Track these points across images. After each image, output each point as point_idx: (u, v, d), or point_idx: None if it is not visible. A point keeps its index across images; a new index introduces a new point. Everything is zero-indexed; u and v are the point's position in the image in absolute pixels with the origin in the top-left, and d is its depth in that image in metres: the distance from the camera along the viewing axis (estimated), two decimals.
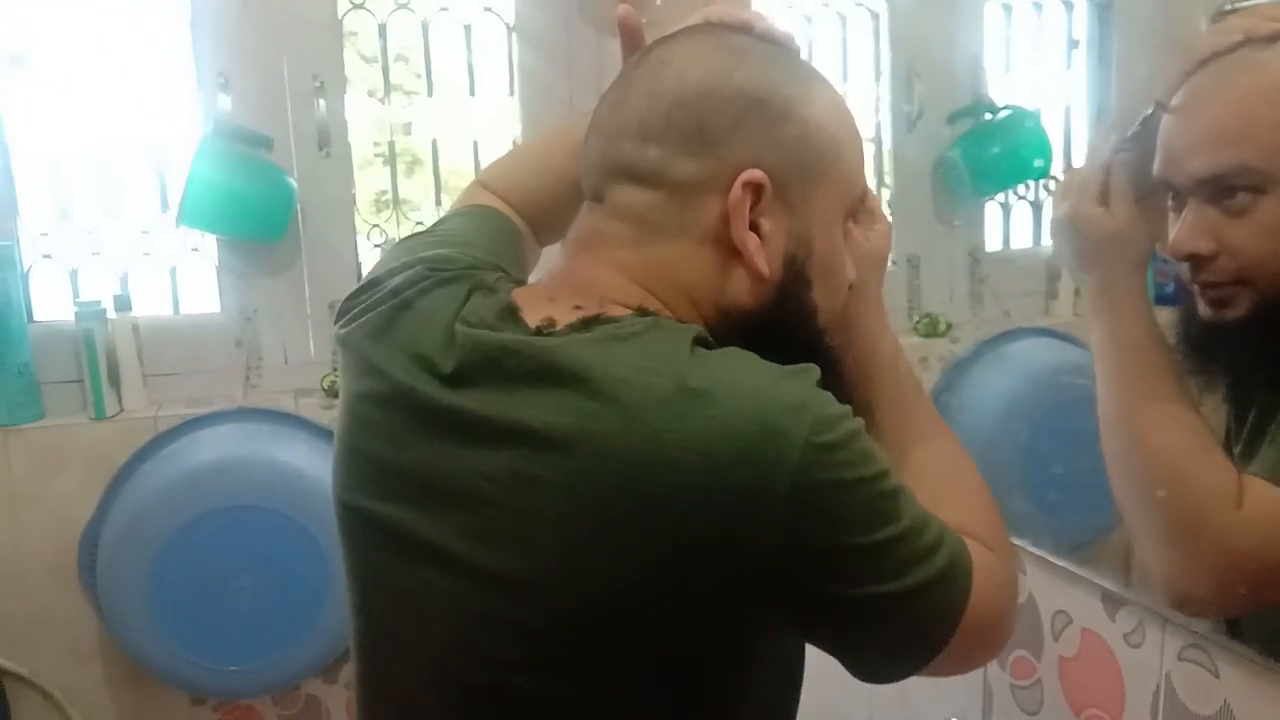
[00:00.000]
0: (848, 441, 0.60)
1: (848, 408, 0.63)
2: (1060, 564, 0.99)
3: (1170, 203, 0.84)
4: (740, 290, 0.68)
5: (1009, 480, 1.13)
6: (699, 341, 0.63)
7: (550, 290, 0.70)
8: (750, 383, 0.60)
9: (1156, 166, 0.83)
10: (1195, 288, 0.81)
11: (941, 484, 0.71)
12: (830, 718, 1.35)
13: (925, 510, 0.64)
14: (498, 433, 0.62)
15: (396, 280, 0.75)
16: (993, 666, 1.13)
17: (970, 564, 0.64)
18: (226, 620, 1.60)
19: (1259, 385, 0.83)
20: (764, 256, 0.67)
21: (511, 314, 0.68)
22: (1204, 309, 0.82)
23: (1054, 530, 1.01)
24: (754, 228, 0.67)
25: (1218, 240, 0.77)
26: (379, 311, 0.74)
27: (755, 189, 0.66)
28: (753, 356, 0.63)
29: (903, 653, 0.65)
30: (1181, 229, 0.80)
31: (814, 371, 0.63)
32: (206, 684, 1.67)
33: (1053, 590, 1.01)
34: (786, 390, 0.60)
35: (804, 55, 0.76)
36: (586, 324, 0.64)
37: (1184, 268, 0.82)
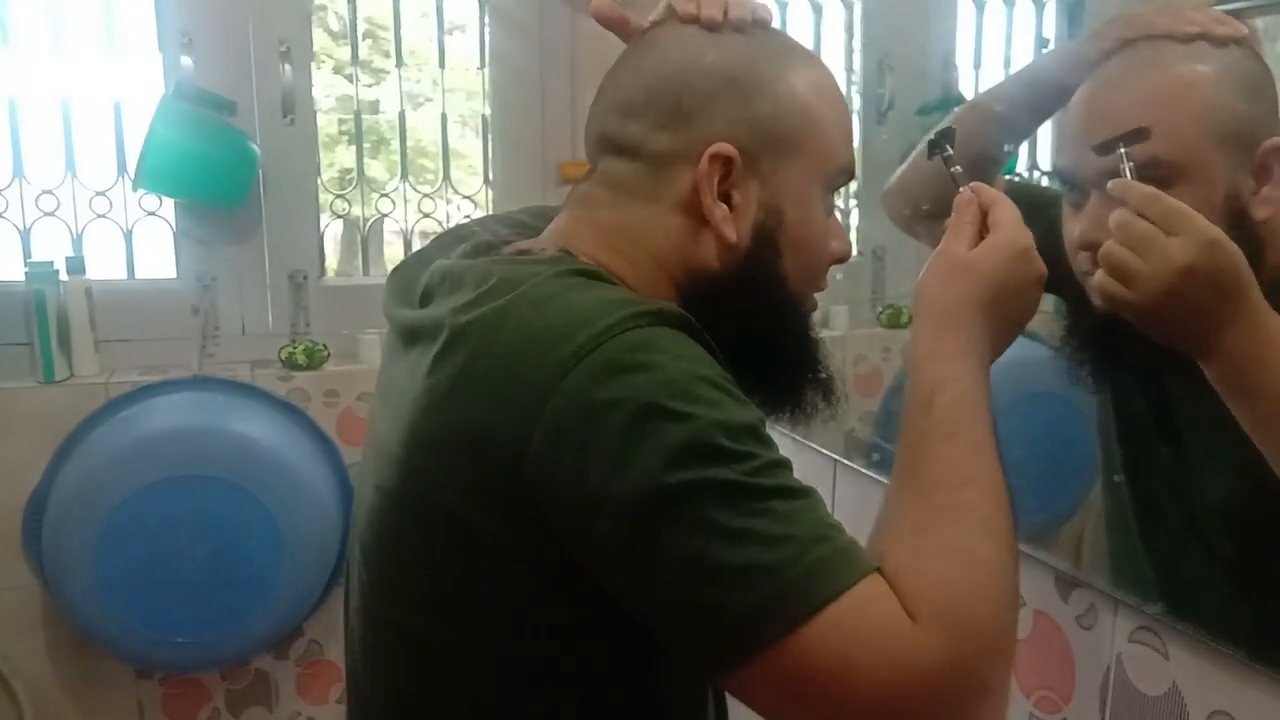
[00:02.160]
0: (643, 368, 0.57)
1: (682, 348, 0.60)
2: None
3: (1067, 194, 0.83)
4: (708, 254, 0.72)
5: None
6: (585, 274, 0.67)
7: (539, 241, 0.76)
8: (579, 300, 0.62)
9: (1055, 157, 0.84)
10: (1089, 274, 0.79)
11: (915, 535, 0.60)
12: None
13: (813, 516, 0.56)
14: (420, 332, 0.70)
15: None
16: None
17: (832, 590, 0.53)
18: (176, 592, 1.57)
19: (1169, 370, 0.83)
20: (732, 225, 0.70)
21: (482, 249, 0.76)
22: (1096, 297, 0.79)
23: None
24: (725, 198, 0.70)
25: None
26: (405, 261, 0.86)
27: (724, 161, 0.69)
28: (621, 291, 0.67)
29: (681, 634, 0.57)
30: (1085, 219, 0.79)
31: (661, 309, 0.62)
32: (153, 656, 1.64)
33: None
34: (605, 310, 0.60)
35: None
36: (519, 254, 0.73)
37: (1082, 257, 0.81)
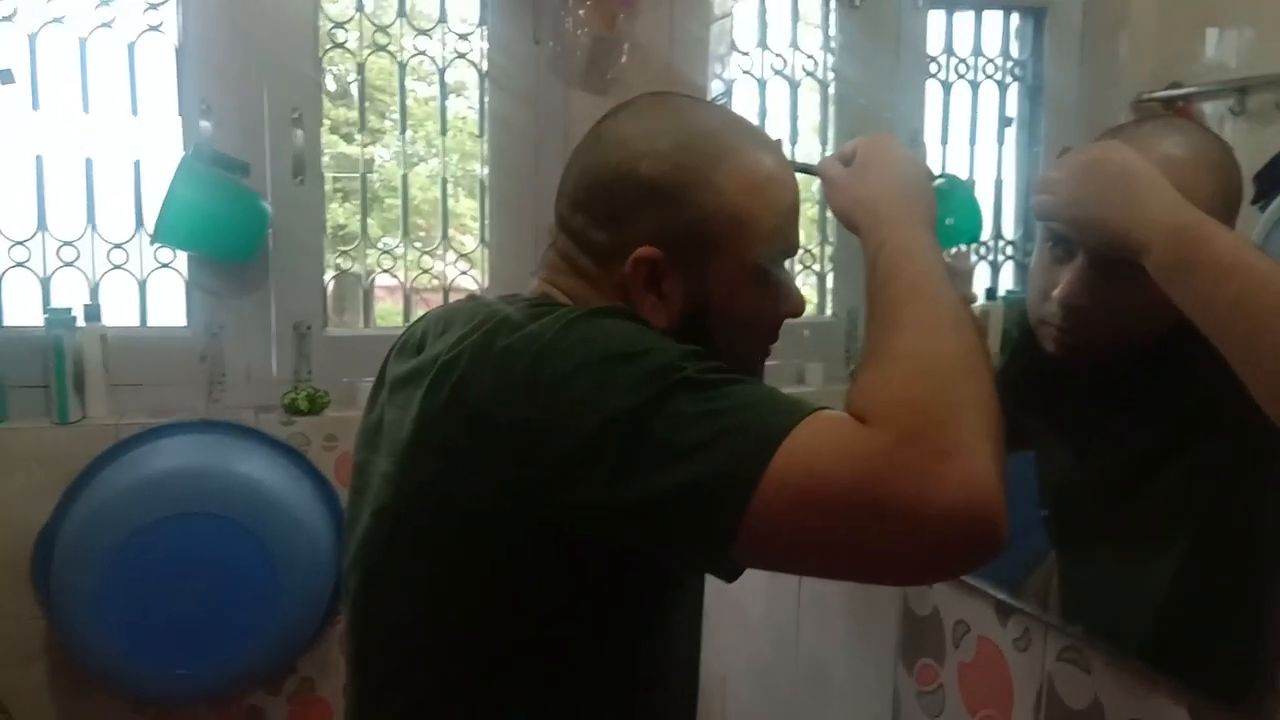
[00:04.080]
0: (597, 336, 0.69)
1: (628, 319, 0.73)
2: (961, 577, 1.10)
3: (1052, 247, 0.86)
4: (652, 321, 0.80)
5: None
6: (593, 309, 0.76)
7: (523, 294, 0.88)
8: (550, 309, 0.74)
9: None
10: (1051, 325, 0.86)
11: (864, 370, 0.68)
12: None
13: (765, 388, 0.68)
14: (417, 372, 0.78)
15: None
16: (901, 673, 1.22)
17: (790, 420, 0.62)
18: (174, 625, 1.63)
19: (1090, 417, 0.92)
20: (662, 312, 0.80)
21: (476, 297, 0.90)
22: (1050, 345, 0.87)
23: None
24: (657, 286, 0.80)
25: (1098, 299, 0.82)
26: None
27: (649, 262, 0.79)
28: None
29: (680, 522, 0.64)
30: (1071, 282, 0.83)
31: (613, 306, 0.76)
32: (149, 689, 1.70)
33: (954, 602, 1.11)
34: (565, 310, 0.73)
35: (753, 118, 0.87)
36: (505, 298, 0.83)
37: (1049, 309, 0.86)
